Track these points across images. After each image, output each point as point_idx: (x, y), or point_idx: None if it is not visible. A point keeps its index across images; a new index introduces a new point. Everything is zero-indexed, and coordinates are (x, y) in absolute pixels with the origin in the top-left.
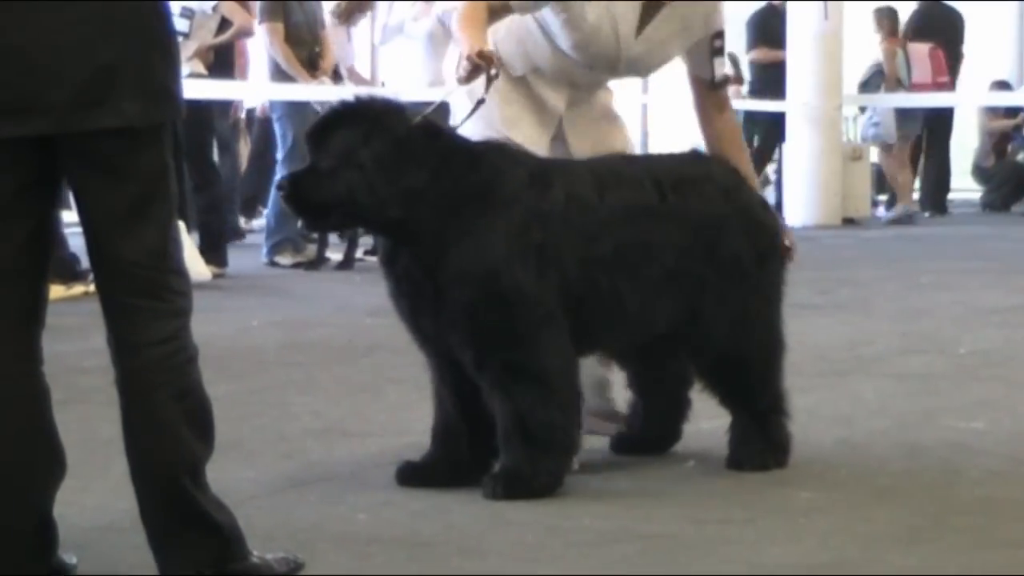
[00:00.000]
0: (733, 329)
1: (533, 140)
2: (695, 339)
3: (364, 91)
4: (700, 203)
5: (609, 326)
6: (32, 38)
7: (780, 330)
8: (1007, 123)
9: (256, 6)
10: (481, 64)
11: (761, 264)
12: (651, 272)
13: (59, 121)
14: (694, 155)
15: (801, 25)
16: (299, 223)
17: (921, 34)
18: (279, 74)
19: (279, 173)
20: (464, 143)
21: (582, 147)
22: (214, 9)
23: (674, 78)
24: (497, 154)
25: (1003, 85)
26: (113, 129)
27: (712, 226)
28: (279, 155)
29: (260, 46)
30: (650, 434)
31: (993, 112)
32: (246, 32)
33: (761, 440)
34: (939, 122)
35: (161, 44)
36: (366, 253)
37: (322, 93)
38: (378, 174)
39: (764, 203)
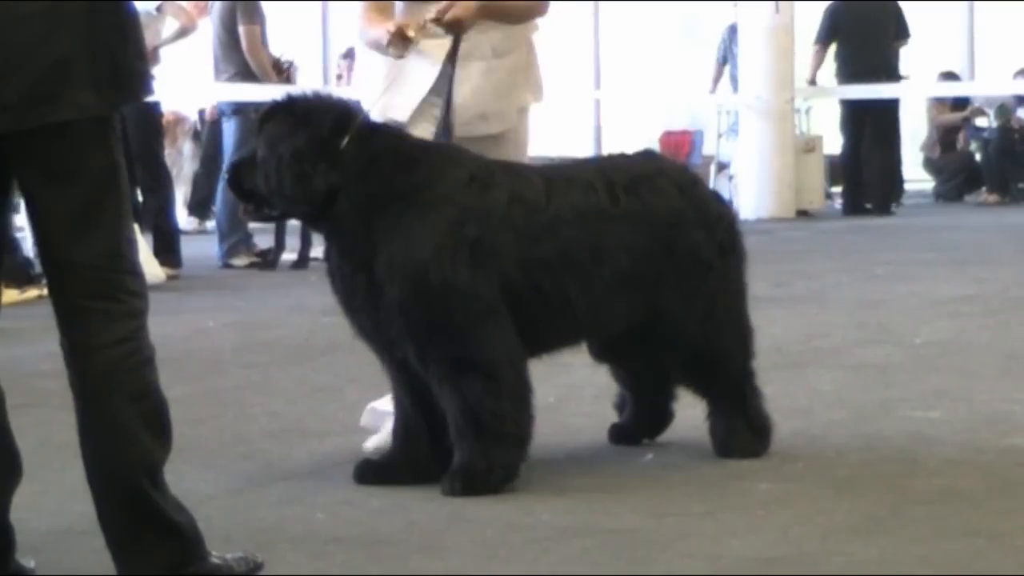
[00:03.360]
0: (704, 323)
1: (405, 104)
2: (666, 336)
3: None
4: (655, 200)
5: (558, 327)
6: None
7: (748, 318)
8: (956, 116)
9: (208, 5)
10: (399, 33)
11: (722, 256)
12: (603, 273)
13: (14, 119)
14: (646, 154)
15: (752, 19)
16: (241, 208)
17: (836, 35)
18: (247, 75)
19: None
20: (405, 145)
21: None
22: (158, 10)
23: (627, 74)
24: (439, 156)
25: (951, 76)
26: (63, 128)
27: (669, 222)
28: (227, 154)
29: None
30: (642, 421)
31: (941, 103)
32: (189, 32)
33: (747, 428)
34: (883, 117)
35: (118, 27)
36: None
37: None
38: (289, 170)
39: (718, 195)
